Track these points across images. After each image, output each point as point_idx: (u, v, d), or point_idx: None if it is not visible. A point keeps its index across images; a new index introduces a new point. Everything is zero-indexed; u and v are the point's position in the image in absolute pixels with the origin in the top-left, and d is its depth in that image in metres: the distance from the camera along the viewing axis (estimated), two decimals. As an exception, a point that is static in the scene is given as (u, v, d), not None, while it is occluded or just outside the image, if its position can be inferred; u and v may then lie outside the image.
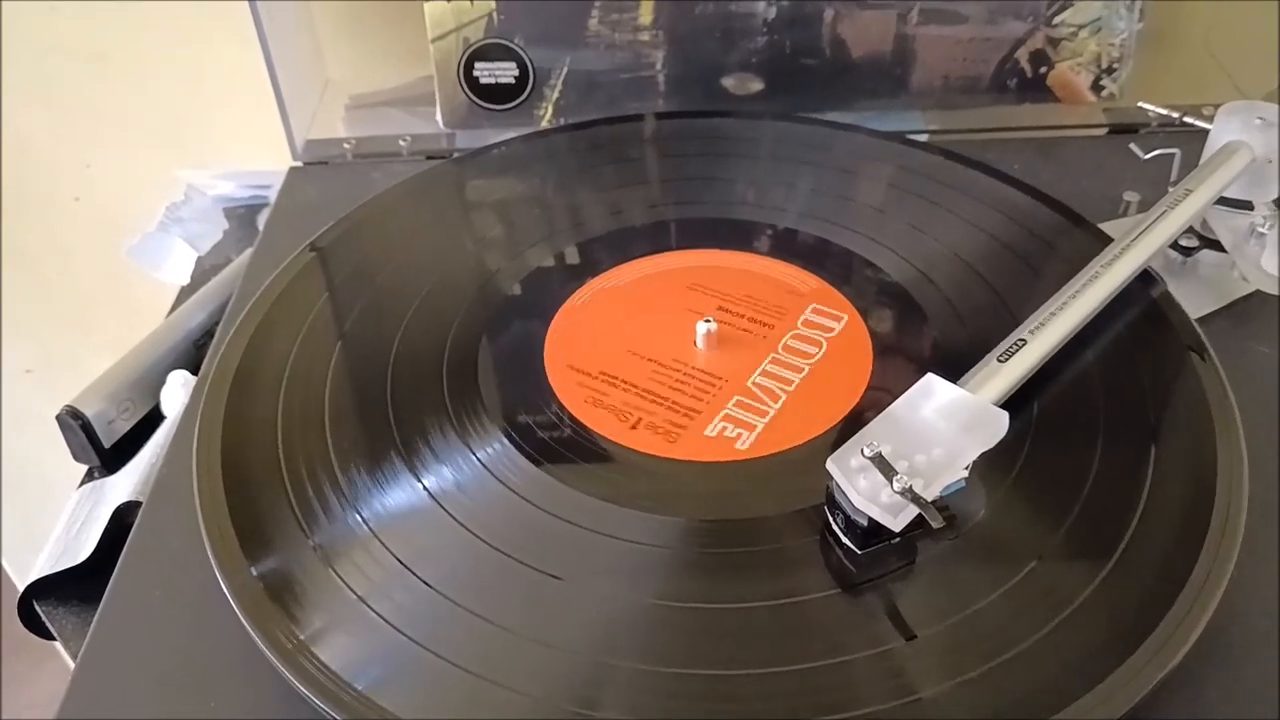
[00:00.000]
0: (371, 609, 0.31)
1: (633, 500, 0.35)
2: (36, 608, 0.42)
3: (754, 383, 0.40)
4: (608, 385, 0.40)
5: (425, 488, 0.35)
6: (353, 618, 0.31)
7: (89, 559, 0.41)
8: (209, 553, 0.33)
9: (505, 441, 0.37)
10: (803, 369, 0.40)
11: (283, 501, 0.35)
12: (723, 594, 0.32)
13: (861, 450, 0.31)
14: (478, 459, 0.36)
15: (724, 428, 0.38)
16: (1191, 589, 0.31)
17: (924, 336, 0.42)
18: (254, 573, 0.33)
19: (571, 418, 0.38)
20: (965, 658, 0.29)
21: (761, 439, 0.37)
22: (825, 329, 0.42)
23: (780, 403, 0.39)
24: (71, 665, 0.34)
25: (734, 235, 0.48)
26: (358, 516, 0.34)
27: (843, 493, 0.31)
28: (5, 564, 0.99)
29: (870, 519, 0.31)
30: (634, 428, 0.38)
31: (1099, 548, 0.32)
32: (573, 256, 0.47)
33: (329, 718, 0.29)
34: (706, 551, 0.34)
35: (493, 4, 0.58)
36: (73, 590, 0.41)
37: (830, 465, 0.32)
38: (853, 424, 0.36)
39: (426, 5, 0.57)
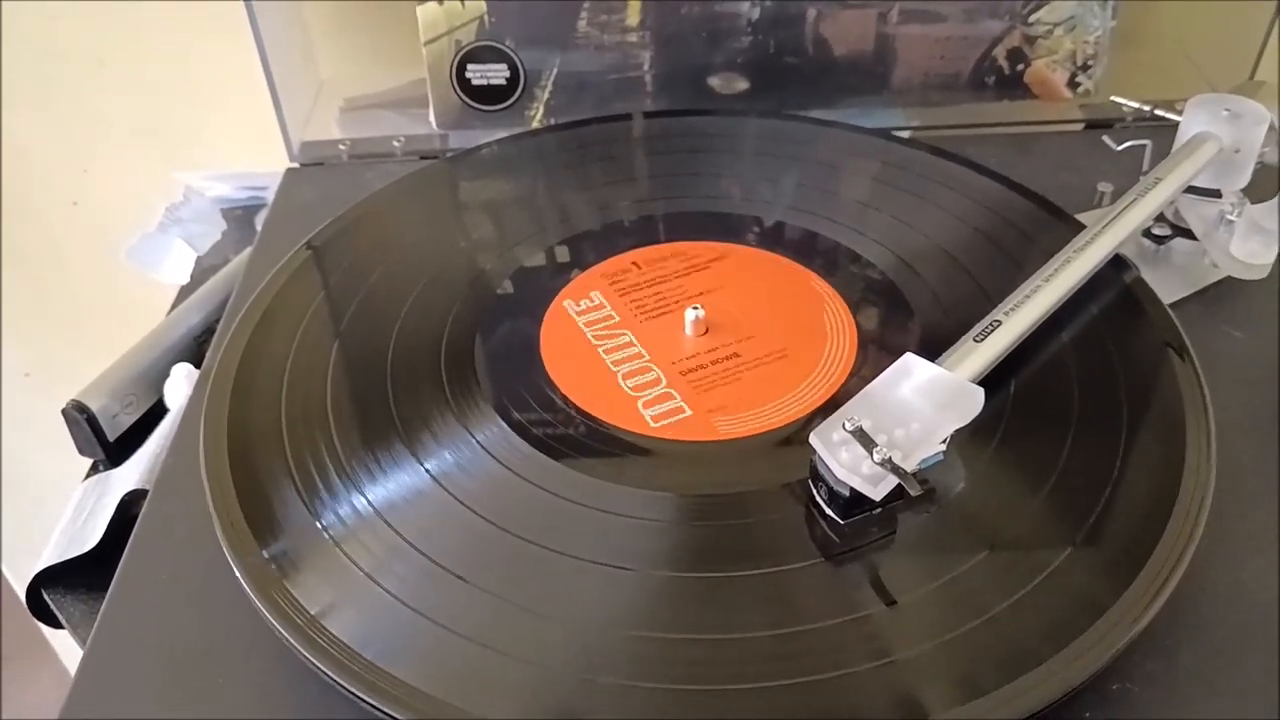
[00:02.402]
0: (379, 585, 0.33)
1: (624, 476, 0.36)
2: (45, 596, 0.43)
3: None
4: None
5: (427, 470, 0.37)
6: (361, 594, 0.32)
7: (96, 547, 0.42)
8: (219, 536, 0.34)
9: (503, 424, 0.38)
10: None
11: (289, 485, 0.36)
12: (713, 565, 0.33)
13: (843, 425, 0.33)
14: (477, 441, 0.38)
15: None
16: (1160, 556, 0.32)
17: (907, 324, 0.43)
18: (265, 555, 0.34)
19: (566, 400, 0.40)
20: (943, 622, 0.31)
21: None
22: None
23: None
24: (76, 657, 0.35)
25: (724, 229, 0.49)
26: (362, 498, 0.36)
27: (825, 465, 0.33)
28: (4, 567, 0.99)
29: (852, 489, 0.32)
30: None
31: (1073, 518, 0.34)
32: (563, 251, 0.49)
33: (339, 687, 0.30)
34: (697, 525, 0.35)
35: (484, 7, 0.59)
36: (80, 579, 0.42)
37: (813, 439, 0.33)
38: (835, 406, 0.38)
39: (419, 8, 0.59)
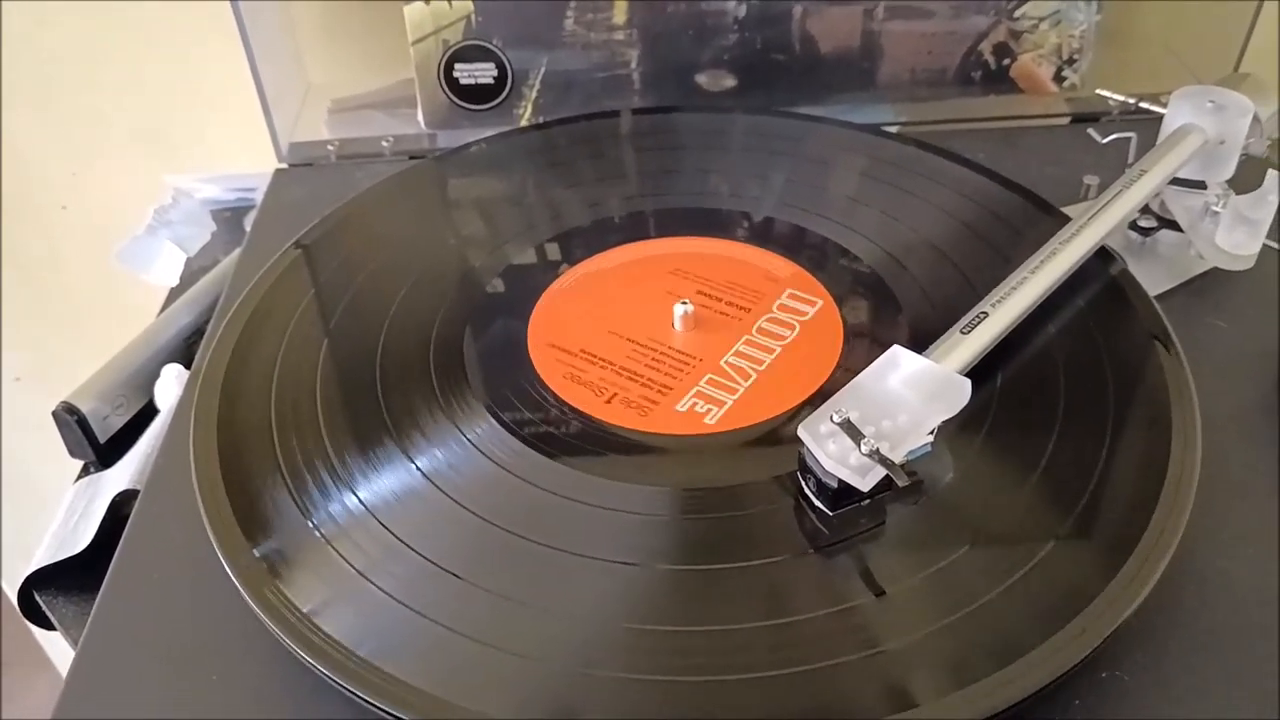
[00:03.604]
0: (371, 582, 0.33)
1: (615, 471, 0.36)
2: (36, 598, 0.43)
3: (726, 362, 0.41)
4: (587, 363, 0.41)
5: (418, 467, 0.37)
6: (353, 591, 0.33)
7: (87, 549, 0.42)
8: (211, 536, 0.34)
9: (491, 420, 0.38)
10: (775, 350, 0.42)
11: (280, 484, 0.36)
12: (705, 557, 0.33)
13: (830, 417, 0.33)
14: (466, 438, 0.38)
15: (694, 403, 0.39)
16: (1146, 545, 0.32)
17: (895, 317, 0.44)
18: (256, 554, 0.34)
19: (554, 396, 0.40)
20: (931, 611, 0.31)
21: (729, 415, 0.39)
22: (800, 314, 0.44)
23: (750, 381, 0.40)
24: (69, 660, 0.35)
25: (712, 224, 0.49)
26: (354, 497, 0.36)
27: (813, 457, 0.33)
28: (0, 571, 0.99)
29: (840, 481, 0.32)
30: (609, 403, 0.39)
31: (1060, 508, 0.34)
32: (553, 247, 0.49)
33: (334, 685, 0.30)
34: (687, 518, 0.35)
35: (471, 6, 0.59)
36: (72, 580, 0.42)
37: (801, 431, 0.33)
38: (823, 399, 0.38)
39: (406, 8, 0.59)
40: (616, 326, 0.43)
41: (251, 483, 0.36)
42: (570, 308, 0.45)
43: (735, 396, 0.39)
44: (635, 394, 0.40)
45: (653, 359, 0.42)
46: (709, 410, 0.39)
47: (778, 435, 0.38)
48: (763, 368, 0.41)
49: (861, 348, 0.42)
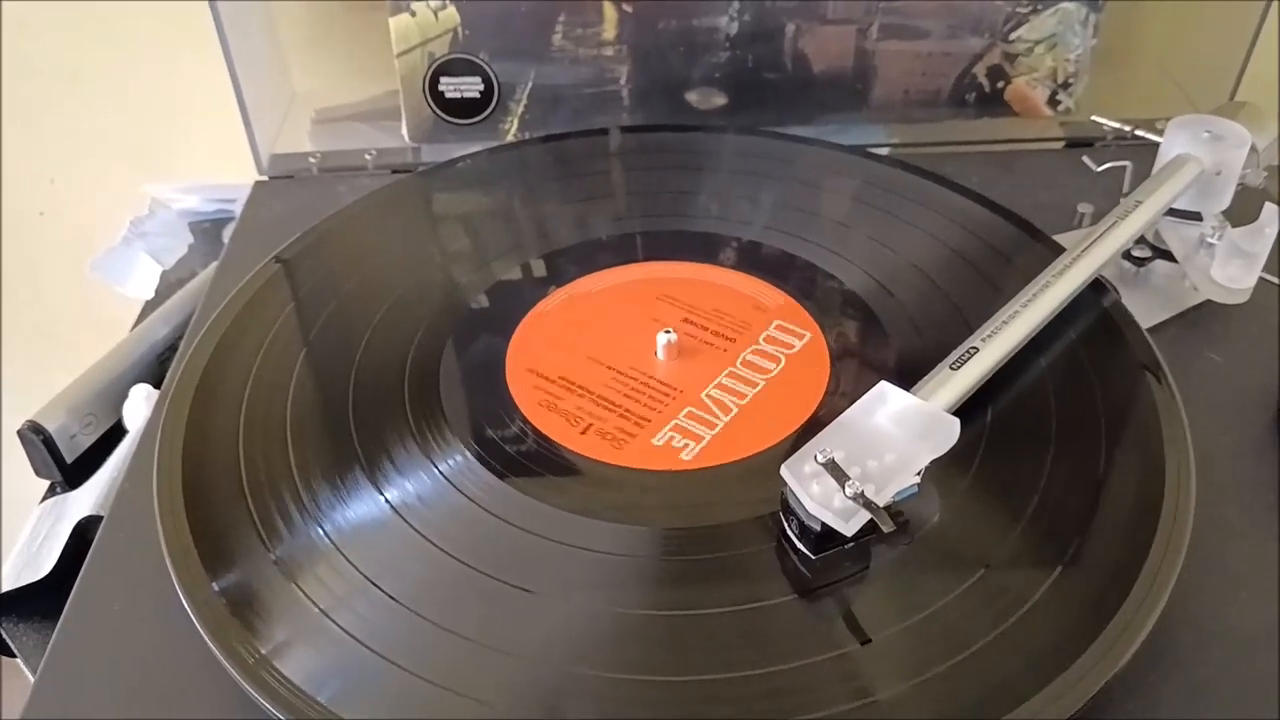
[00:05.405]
0: (334, 622, 0.31)
1: (593, 509, 0.35)
2: (-4, 624, 0.41)
3: (708, 395, 0.40)
4: (564, 391, 0.40)
5: (387, 500, 0.36)
6: (315, 631, 0.31)
7: (50, 574, 0.40)
8: (170, 568, 0.33)
9: (466, 453, 0.37)
10: (758, 383, 0.41)
11: (244, 515, 0.35)
12: (680, 601, 0.32)
13: (815, 456, 0.32)
14: (439, 471, 0.37)
15: (671, 437, 0.38)
16: (1140, 590, 0.31)
17: (883, 348, 0.42)
18: (215, 588, 0.33)
19: (530, 426, 0.39)
20: (919, 660, 0.30)
21: (707, 450, 0.37)
22: (786, 345, 0.43)
23: (731, 415, 0.39)
24: (31, 682, 0.34)
25: (700, 248, 0.48)
26: (319, 530, 0.35)
27: (796, 498, 0.32)
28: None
29: (823, 524, 0.31)
30: (584, 433, 0.38)
31: (1051, 551, 0.33)
32: (538, 268, 0.48)
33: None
34: (664, 559, 0.34)
35: (457, 19, 0.58)
36: (33, 606, 0.41)
37: (784, 471, 0.32)
38: (808, 434, 0.37)
39: (391, 20, 0.58)
40: (597, 353, 0.42)
41: (216, 514, 0.35)
42: (552, 332, 0.43)
43: (714, 431, 0.38)
44: (611, 425, 0.39)
45: (632, 389, 0.40)
46: (686, 445, 0.38)
47: (758, 473, 0.36)
48: (745, 402, 0.40)
49: (849, 383, 0.41)
